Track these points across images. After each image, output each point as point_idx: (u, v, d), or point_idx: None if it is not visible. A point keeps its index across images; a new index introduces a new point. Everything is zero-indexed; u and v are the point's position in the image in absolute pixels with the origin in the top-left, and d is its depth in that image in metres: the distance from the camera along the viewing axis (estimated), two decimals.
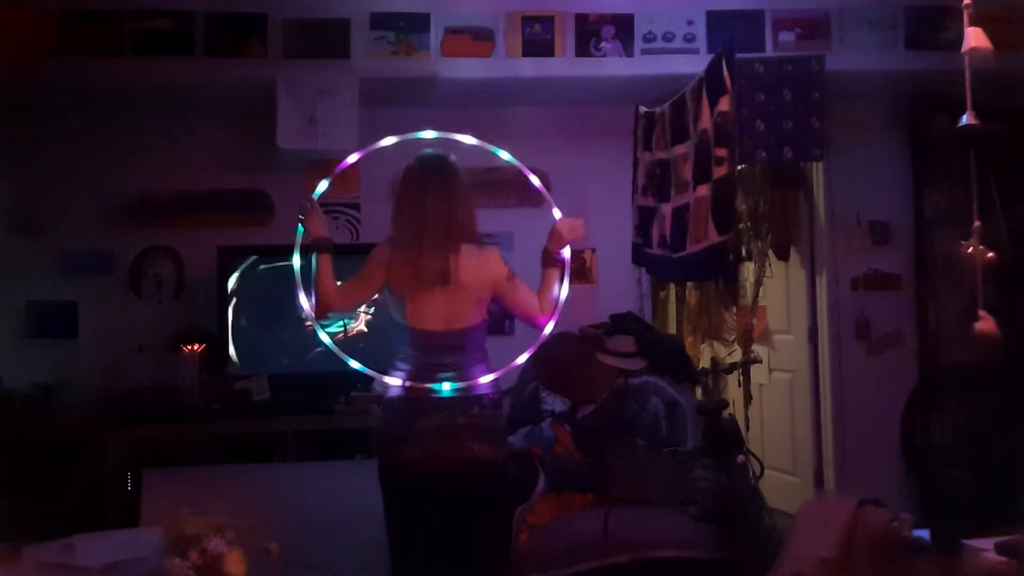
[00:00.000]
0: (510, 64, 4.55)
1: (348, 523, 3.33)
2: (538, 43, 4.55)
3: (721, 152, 3.74)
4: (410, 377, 2.81)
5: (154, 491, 3.52)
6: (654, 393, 4.09)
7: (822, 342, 5.09)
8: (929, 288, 5.00)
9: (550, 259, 2.93)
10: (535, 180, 3.12)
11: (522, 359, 3.04)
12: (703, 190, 3.89)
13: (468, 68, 4.53)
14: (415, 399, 2.79)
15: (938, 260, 4.94)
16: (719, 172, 3.76)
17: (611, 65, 4.59)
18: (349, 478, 3.47)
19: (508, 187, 4.95)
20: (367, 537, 3.05)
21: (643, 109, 4.80)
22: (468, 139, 3.06)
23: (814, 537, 3.12)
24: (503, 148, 3.08)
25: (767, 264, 5.20)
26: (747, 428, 5.07)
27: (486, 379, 2.83)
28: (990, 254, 3.22)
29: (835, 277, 5.05)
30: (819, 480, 5.07)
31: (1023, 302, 4.35)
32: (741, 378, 5.14)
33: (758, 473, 3.63)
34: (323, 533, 3.35)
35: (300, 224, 2.92)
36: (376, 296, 2.98)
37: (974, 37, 3.07)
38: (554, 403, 4.16)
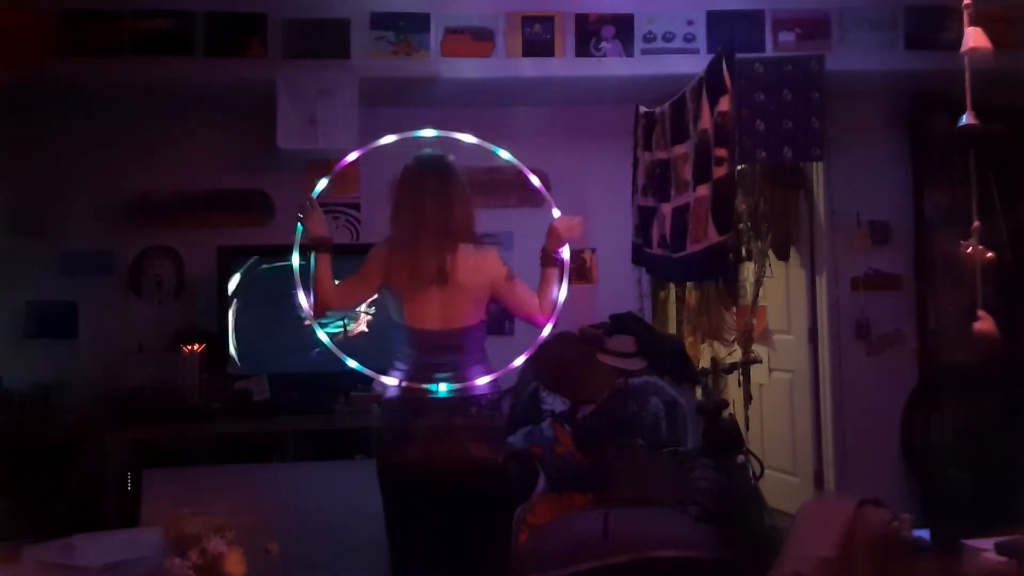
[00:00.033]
0: (510, 64, 4.55)
1: (348, 523, 3.34)
2: (538, 43, 4.55)
3: (721, 152, 3.74)
4: (408, 377, 2.81)
5: (154, 491, 3.52)
6: (654, 393, 4.09)
7: (822, 342, 5.09)
8: (929, 288, 5.00)
9: (549, 258, 2.93)
10: (535, 180, 3.11)
11: (519, 361, 3.03)
12: (703, 190, 3.89)
13: (468, 68, 4.53)
14: (412, 399, 2.79)
15: (938, 260, 4.94)
16: (719, 172, 3.76)
17: (611, 65, 4.59)
18: (349, 478, 3.45)
19: (508, 187, 4.95)
20: (367, 537, 3.06)
21: (643, 109, 4.80)
22: (468, 138, 3.06)
23: (814, 537, 3.12)
24: (503, 148, 3.08)
25: (767, 264, 5.20)
26: (747, 428, 5.07)
27: (483, 380, 2.83)
28: (990, 254, 3.21)
29: (835, 277, 5.05)
30: (819, 480, 5.07)
31: (1023, 302, 4.36)
32: (741, 378, 5.15)
33: (758, 473, 3.63)
34: (323, 533, 3.35)
35: (299, 223, 2.92)
36: (376, 296, 2.98)
37: (974, 37, 3.07)
38: (554, 403, 4.15)
